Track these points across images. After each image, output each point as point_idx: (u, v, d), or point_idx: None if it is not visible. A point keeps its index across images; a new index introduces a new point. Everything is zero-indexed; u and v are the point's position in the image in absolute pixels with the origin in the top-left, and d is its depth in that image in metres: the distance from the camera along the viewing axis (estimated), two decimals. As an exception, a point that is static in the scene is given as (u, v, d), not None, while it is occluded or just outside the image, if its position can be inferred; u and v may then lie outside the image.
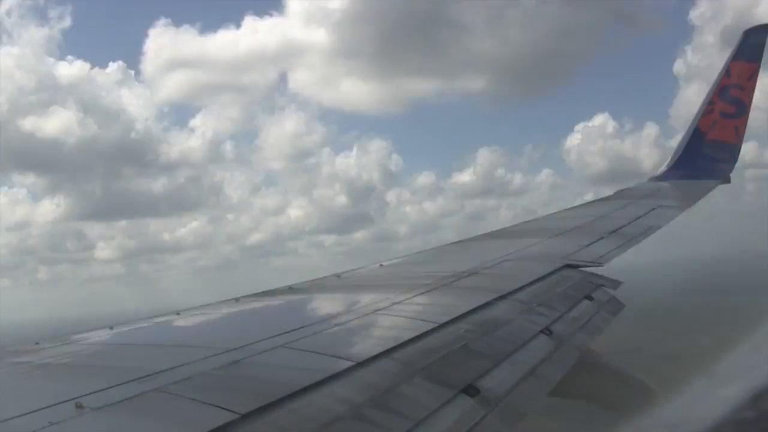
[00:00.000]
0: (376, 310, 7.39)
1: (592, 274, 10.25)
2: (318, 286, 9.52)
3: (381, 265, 11.09)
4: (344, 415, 4.61)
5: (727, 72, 20.32)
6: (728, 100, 20.28)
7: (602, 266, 10.84)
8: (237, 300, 8.42)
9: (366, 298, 7.94)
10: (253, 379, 5.07)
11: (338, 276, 10.17)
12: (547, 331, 7.37)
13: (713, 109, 20.42)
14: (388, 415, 4.81)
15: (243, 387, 4.88)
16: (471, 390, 5.46)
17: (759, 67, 20.20)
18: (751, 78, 20.20)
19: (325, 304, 7.90)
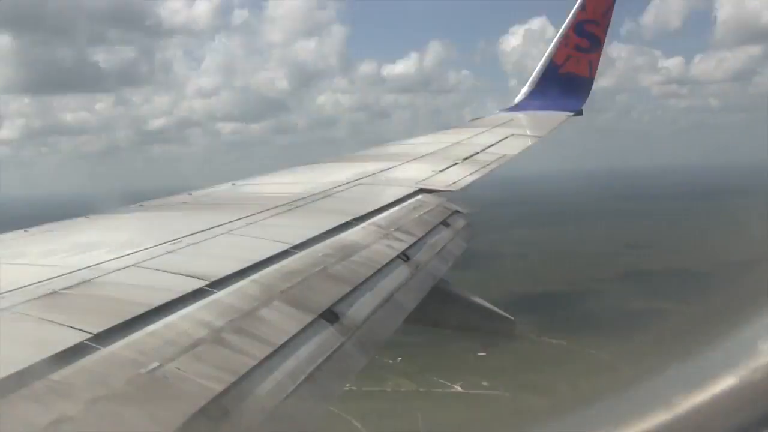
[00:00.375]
0: (231, 230, 7.41)
1: (447, 201, 10.40)
2: (170, 204, 9.44)
3: (233, 183, 11.05)
4: (200, 337, 4.60)
5: (582, 6, 20.67)
6: (583, 35, 20.69)
7: (453, 192, 11.04)
8: (87, 218, 8.26)
9: (220, 218, 7.89)
10: (105, 299, 5.01)
11: (190, 194, 10.13)
12: (403, 256, 7.47)
13: (568, 42, 20.81)
14: (245, 339, 4.80)
15: (95, 307, 4.82)
16: (330, 315, 5.51)
17: (614, 2, 20.60)
18: (607, 14, 20.60)
19: (177, 223, 7.79)
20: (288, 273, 6.14)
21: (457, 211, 9.93)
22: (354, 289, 6.20)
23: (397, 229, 8.30)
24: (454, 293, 8.93)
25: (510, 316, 9.58)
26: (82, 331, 4.21)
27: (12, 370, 3.57)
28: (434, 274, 7.62)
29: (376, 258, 7.20)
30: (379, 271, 6.87)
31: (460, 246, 8.83)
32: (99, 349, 4.08)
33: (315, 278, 6.18)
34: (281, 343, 4.86)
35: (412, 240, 8.09)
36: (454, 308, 8.92)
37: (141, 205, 9.15)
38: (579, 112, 20.62)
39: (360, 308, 5.92)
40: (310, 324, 5.28)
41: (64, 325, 4.32)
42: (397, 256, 7.41)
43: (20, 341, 4.14)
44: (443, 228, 9.07)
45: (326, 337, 5.25)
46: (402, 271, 7.15)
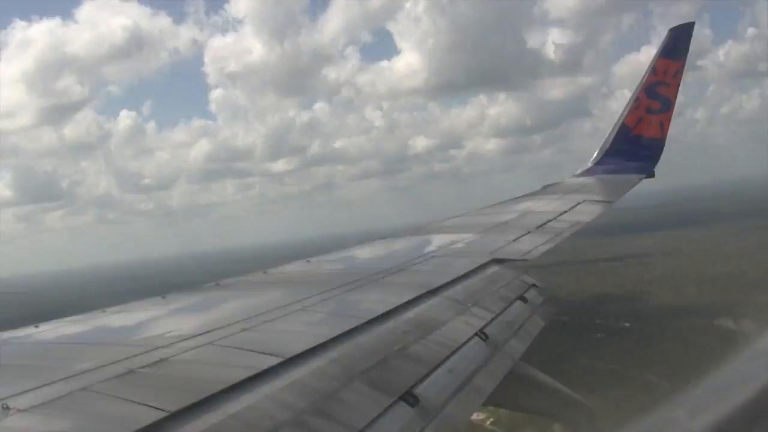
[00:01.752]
0: (305, 307, 7.40)
1: (524, 273, 10.29)
2: (245, 282, 9.49)
3: (308, 260, 11.09)
4: (276, 416, 4.58)
5: (653, 70, 20.77)
6: (654, 97, 20.74)
7: (527, 261, 10.96)
8: (164, 297, 8.35)
9: (294, 294, 7.91)
10: (181, 377, 5.04)
11: (265, 272, 10.17)
12: (482, 335, 7.33)
13: (639, 105, 20.88)
14: (324, 421, 4.78)
15: (171, 385, 4.85)
16: (410, 398, 5.42)
17: (684, 64, 20.68)
18: (676, 75, 20.67)
19: (252, 301, 7.84)
20: (367, 352, 6.09)
21: (534, 285, 9.79)
22: (433, 369, 6.09)
23: (474, 305, 8.19)
24: (530, 375, 8.67)
25: (583, 399, 9.33)
26: (159, 409, 4.21)
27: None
28: (512, 354, 7.44)
29: (455, 336, 7.09)
30: (457, 350, 6.75)
31: (538, 324, 8.62)
32: (176, 428, 4.08)
33: (395, 358, 6.10)
34: (362, 427, 4.79)
35: (489, 316, 7.96)
36: (528, 390, 8.60)
37: (217, 284, 9.23)
38: (651, 174, 20.52)
39: (440, 391, 5.81)
40: (391, 406, 5.20)
41: (140, 403, 4.33)
42: (476, 334, 7.29)
43: (97, 420, 4.17)
44: (521, 304, 8.91)
45: (407, 420, 5.17)
46: (481, 351, 7.01)
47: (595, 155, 21.51)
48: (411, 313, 7.47)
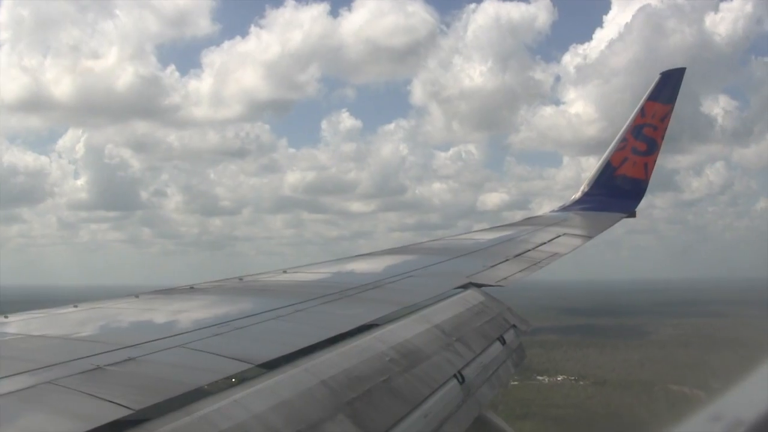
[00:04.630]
0: (279, 316, 7.36)
1: (508, 309, 10.23)
2: (220, 287, 9.45)
3: (285, 271, 11.07)
4: (242, 420, 4.54)
5: (642, 111, 21.01)
6: (641, 138, 20.96)
7: (503, 287, 11.00)
8: (137, 296, 8.33)
9: (269, 303, 7.87)
10: (149, 377, 4.98)
11: (240, 279, 10.15)
12: (459, 376, 7.19)
13: (626, 146, 21.06)
14: (287, 426, 4.73)
15: (138, 384, 4.78)
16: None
17: (672, 108, 20.89)
18: (665, 118, 20.90)
19: (226, 307, 7.83)
20: (337, 366, 6.00)
21: (514, 326, 9.74)
22: (411, 411, 5.95)
23: (458, 340, 8.05)
24: (494, 424, 8.49)
25: None
26: (124, 407, 4.17)
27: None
28: (481, 402, 7.33)
29: (435, 374, 6.94)
30: (435, 391, 6.59)
31: (509, 372, 8.55)
32: (139, 424, 4.05)
33: (367, 379, 5.98)
34: None
35: (470, 356, 7.84)
36: None
37: (191, 287, 9.20)
38: (633, 214, 20.71)
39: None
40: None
41: (106, 400, 4.29)
42: (454, 375, 7.15)
43: (62, 414, 4.12)
44: (499, 346, 8.82)
45: None
46: (456, 396, 6.87)
47: (578, 191, 21.70)
48: (386, 331, 7.42)
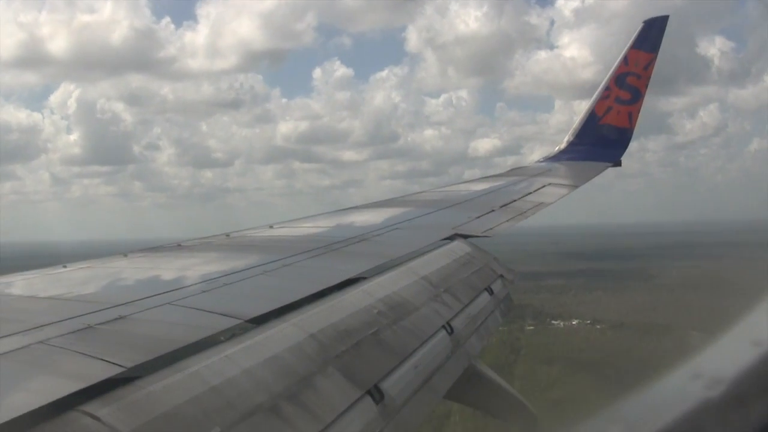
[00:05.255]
0: (266, 271, 7.41)
1: (495, 259, 10.34)
2: (207, 244, 9.51)
3: (271, 226, 11.10)
4: (232, 376, 4.59)
5: (625, 60, 20.97)
6: (624, 87, 20.92)
7: (492, 238, 11.06)
8: (125, 255, 8.37)
9: (256, 259, 7.95)
10: (139, 335, 5.03)
11: (227, 235, 10.19)
12: (448, 327, 7.27)
13: (609, 94, 21.03)
14: (278, 380, 4.78)
15: (129, 342, 4.83)
16: (376, 393, 5.33)
17: (656, 56, 20.84)
18: (648, 67, 20.86)
19: (214, 264, 7.84)
20: (325, 320, 6.06)
21: (501, 276, 9.84)
22: (401, 363, 6.01)
23: (445, 291, 8.12)
24: (484, 374, 8.55)
25: (533, 411, 9.30)
26: (116, 365, 4.21)
27: (45, 400, 3.58)
28: (470, 352, 7.43)
29: (424, 326, 7.01)
30: (425, 343, 6.65)
31: (497, 321, 8.67)
32: (132, 382, 4.10)
33: (355, 332, 6.04)
34: (327, 419, 4.70)
35: (458, 307, 7.92)
36: (479, 389, 8.46)
37: (179, 245, 9.23)
38: (618, 163, 20.74)
39: (403, 388, 5.72)
40: (357, 401, 5.10)
41: (97, 358, 4.33)
42: (443, 326, 7.23)
43: (54, 373, 4.16)
44: (487, 296, 8.91)
45: (369, 419, 5.10)
46: (445, 346, 6.95)
47: (563, 141, 21.71)
48: (373, 284, 7.48)
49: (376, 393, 5.33)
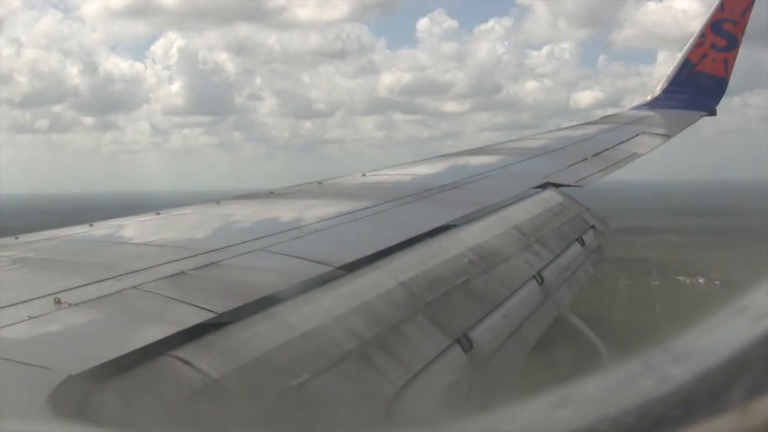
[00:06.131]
0: (357, 219, 7.41)
1: (587, 210, 10.19)
2: (299, 191, 9.49)
3: (363, 174, 11.06)
4: (323, 322, 4.60)
5: (721, 5, 20.27)
6: (720, 34, 20.28)
7: (583, 187, 10.89)
8: (218, 203, 8.40)
9: (347, 206, 7.92)
10: (230, 281, 5.07)
11: (320, 183, 10.16)
12: (538, 277, 7.20)
13: (704, 41, 20.43)
14: (368, 328, 4.77)
15: (220, 288, 4.87)
16: (465, 342, 5.29)
17: (753, 2, 20.15)
18: (745, 13, 20.15)
19: (306, 210, 7.84)
20: (416, 267, 6.05)
21: (593, 227, 9.70)
22: (490, 312, 5.97)
23: (536, 241, 8.03)
24: (574, 325, 8.29)
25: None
26: (207, 310, 4.23)
27: (137, 345, 3.61)
28: (560, 303, 7.37)
29: (514, 276, 6.97)
30: (515, 292, 6.61)
31: (588, 273, 8.57)
32: (223, 327, 4.12)
33: (445, 281, 6.01)
34: (415, 367, 4.69)
35: (548, 257, 7.85)
36: (567, 341, 8.27)
37: (271, 192, 9.25)
38: (713, 112, 20.19)
39: (493, 337, 5.70)
40: (446, 350, 5.08)
41: (189, 303, 4.36)
42: (533, 276, 7.16)
43: (147, 318, 4.20)
44: (578, 247, 8.81)
45: (458, 368, 5.09)
46: (535, 296, 6.90)
47: (657, 89, 21.19)
48: (464, 232, 7.42)
49: (465, 342, 5.29)
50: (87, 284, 4.61)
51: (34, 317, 3.96)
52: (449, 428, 2.10)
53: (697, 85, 20.39)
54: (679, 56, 21.08)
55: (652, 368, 1.99)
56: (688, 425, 1.54)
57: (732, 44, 20.38)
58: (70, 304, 4.19)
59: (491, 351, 5.52)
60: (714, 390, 1.64)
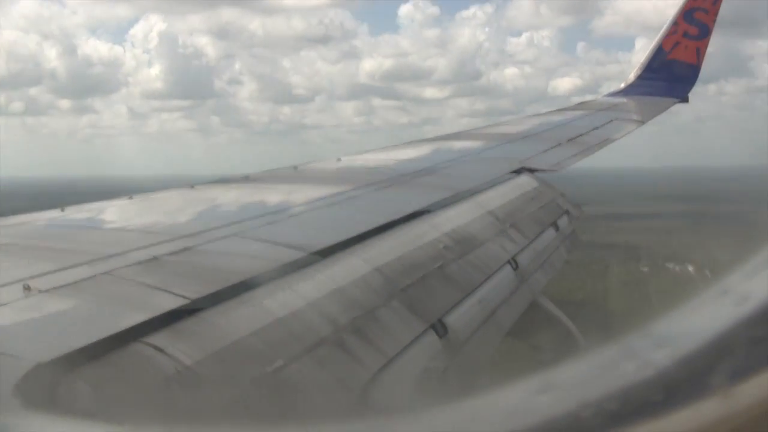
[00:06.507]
0: (333, 203, 7.38)
1: (561, 195, 10.27)
2: (274, 176, 9.47)
3: (339, 159, 11.06)
4: (296, 307, 4.56)
5: None
6: (693, 23, 20.53)
7: (557, 172, 10.96)
8: (192, 187, 8.36)
9: (323, 191, 7.89)
10: (205, 266, 5.01)
11: (295, 168, 10.12)
12: (513, 263, 7.23)
13: (677, 30, 20.68)
14: (342, 311, 4.76)
15: (194, 273, 4.81)
16: (440, 327, 5.29)
17: None
18: (716, 2, 20.43)
19: (281, 195, 7.82)
20: (390, 252, 6.03)
21: (567, 212, 9.75)
22: (465, 298, 5.98)
23: (511, 226, 8.06)
24: (549, 310, 8.25)
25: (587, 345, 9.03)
26: (180, 296, 4.19)
27: (109, 332, 3.56)
28: (534, 288, 7.40)
29: (489, 261, 6.97)
30: (490, 277, 6.62)
31: (561, 258, 8.62)
32: (196, 313, 4.08)
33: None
34: (390, 352, 4.67)
35: (523, 242, 7.88)
36: (540, 325, 8.27)
37: (246, 177, 9.22)
38: (685, 99, 20.46)
39: (467, 322, 5.70)
40: (420, 336, 5.08)
41: (162, 289, 4.31)
42: (508, 261, 7.19)
43: (120, 304, 4.15)
44: (553, 232, 8.87)
45: (433, 353, 5.08)
46: (509, 281, 6.93)
47: (630, 76, 21.41)
48: (439, 217, 7.40)
49: (440, 327, 5.29)
50: (58, 270, 4.54)
51: (2, 304, 3.89)
52: (432, 414, 2.08)
53: (670, 73, 20.69)
54: (652, 44, 21.35)
55: (633, 353, 1.99)
56: (670, 409, 1.54)
57: (704, 33, 20.70)
58: (39, 291, 4.12)
59: (466, 336, 5.52)
60: (696, 374, 1.64)
